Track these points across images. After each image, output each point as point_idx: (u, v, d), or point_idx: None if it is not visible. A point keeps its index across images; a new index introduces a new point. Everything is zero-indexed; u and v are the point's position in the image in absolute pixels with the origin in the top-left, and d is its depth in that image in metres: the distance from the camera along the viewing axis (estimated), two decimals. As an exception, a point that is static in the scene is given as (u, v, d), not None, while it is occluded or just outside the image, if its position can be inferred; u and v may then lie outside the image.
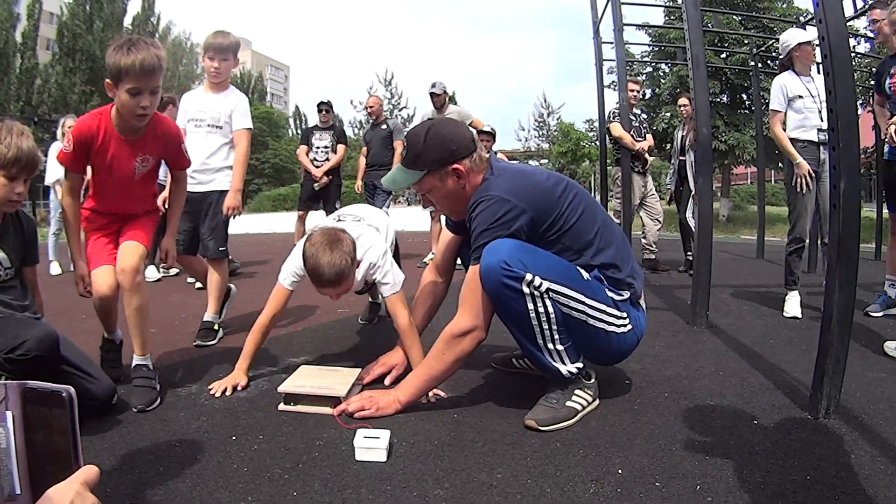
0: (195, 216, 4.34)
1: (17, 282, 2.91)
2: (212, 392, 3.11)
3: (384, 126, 8.88)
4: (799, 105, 4.97)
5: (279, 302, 3.31)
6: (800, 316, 4.79)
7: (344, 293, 3.19)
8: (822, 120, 4.89)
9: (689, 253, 7.69)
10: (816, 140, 4.94)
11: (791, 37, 5.13)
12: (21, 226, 2.96)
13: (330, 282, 3.00)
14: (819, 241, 5.10)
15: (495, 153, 8.89)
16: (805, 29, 7.26)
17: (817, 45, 2.97)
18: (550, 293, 2.55)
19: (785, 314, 4.86)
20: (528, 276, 2.50)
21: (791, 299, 4.95)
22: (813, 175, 4.86)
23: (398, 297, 3.29)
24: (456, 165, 2.75)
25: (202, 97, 4.42)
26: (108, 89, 2.98)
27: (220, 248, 4.34)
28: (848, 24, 3.13)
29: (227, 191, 4.31)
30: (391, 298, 3.30)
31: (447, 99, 8.44)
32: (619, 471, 2.17)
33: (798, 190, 4.89)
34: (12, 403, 1.01)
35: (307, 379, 3.04)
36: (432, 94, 8.31)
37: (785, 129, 5.09)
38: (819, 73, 5.36)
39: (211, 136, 4.35)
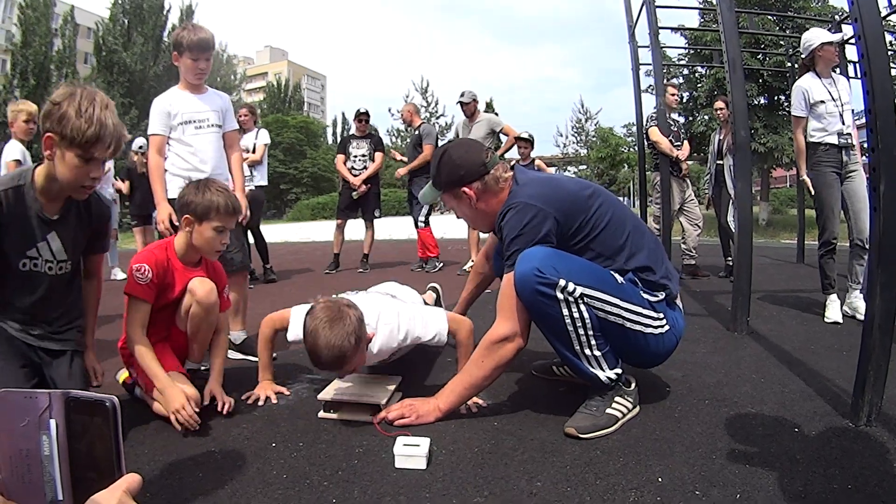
0: None
1: (72, 279, 2.72)
2: (249, 402, 3.14)
3: (417, 132, 8.91)
4: (821, 110, 4.93)
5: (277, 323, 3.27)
6: (841, 321, 4.72)
7: (350, 372, 2.95)
8: (843, 123, 4.88)
9: (729, 258, 7.62)
10: (837, 143, 4.90)
11: (814, 36, 5.06)
12: (90, 213, 2.74)
13: (329, 365, 2.73)
14: (850, 242, 5.03)
15: (534, 160, 8.89)
16: (841, 28, 7.18)
17: (851, 43, 2.94)
18: (585, 298, 2.55)
19: (826, 320, 4.79)
20: (562, 282, 2.50)
21: (831, 304, 4.88)
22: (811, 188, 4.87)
23: (451, 321, 3.21)
24: (464, 189, 2.88)
25: (189, 98, 4.06)
26: (187, 224, 3.03)
27: (246, 261, 4.17)
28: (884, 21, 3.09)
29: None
30: (453, 332, 3.21)
31: (477, 107, 8.51)
32: (660, 479, 2.16)
33: (810, 192, 4.87)
34: (56, 412, 1.03)
35: (347, 387, 3.06)
36: (461, 104, 8.42)
37: (805, 134, 5.06)
38: (839, 73, 5.30)
39: (217, 137, 4.12)
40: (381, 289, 3.71)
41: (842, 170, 4.91)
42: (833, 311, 4.82)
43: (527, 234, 2.64)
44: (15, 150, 6.00)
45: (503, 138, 9.02)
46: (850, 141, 4.89)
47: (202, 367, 3.24)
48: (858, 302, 4.88)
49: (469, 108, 8.49)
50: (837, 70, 5.32)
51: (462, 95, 8.47)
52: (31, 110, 6.03)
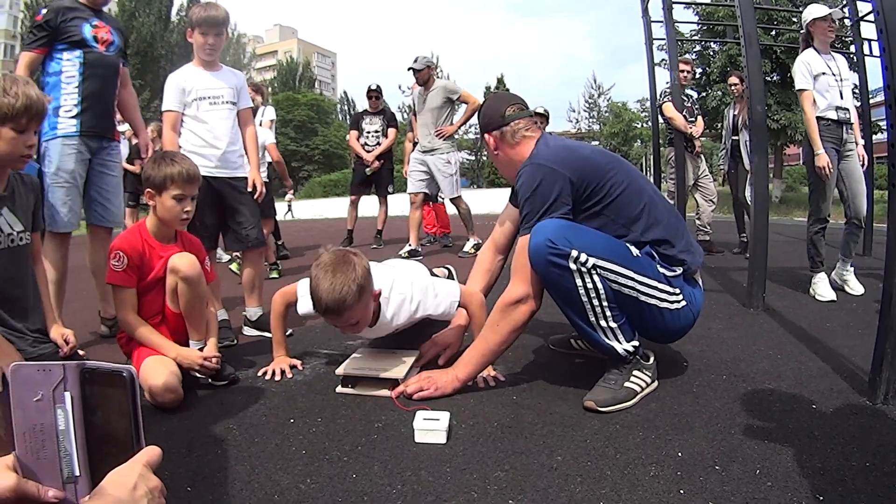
0: (221, 207, 4.10)
1: (28, 253, 2.78)
2: (267, 378, 3.16)
3: None
4: (823, 82, 4.89)
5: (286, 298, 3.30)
6: (836, 298, 4.72)
7: (353, 328, 2.90)
8: (841, 98, 4.87)
9: (744, 234, 7.63)
10: (836, 118, 4.87)
11: (808, 12, 5.06)
12: (28, 186, 2.87)
13: (329, 310, 2.72)
14: (847, 221, 5.01)
15: (544, 133, 8.73)
16: (856, 4, 7.15)
17: (870, 21, 2.91)
18: (598, 269, 2.56)
19: (819, 298, 4.78)
20: (574, 253, 2.52)
21: (820, 282, 4.88)
22: (830, 169, 4.78)
23: (463, 294, 3.22)
24: (486, 135, 3.09)
25: (203, 75, 4.06)
26: (149, 198, 3.12)
27: (261, 237, 4.19)
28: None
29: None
30: (464, 308, 3.23)
31: (431, 73, 7.84)
32: (679, 454, 2.17)
33: (822, 178, 4.81)
34: (71, 384, 1.01)
35: (365, 361, 3.07)
36: (413, 71, 7.72)
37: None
38: (848, 54, 5.27)
39: (231, 114, 4.12)
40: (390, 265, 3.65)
41: (840, 147, 4.90)
42: (826, 289, 4.82)
43: (539, 193, 2.68)
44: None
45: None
46: (848, 117, 4.87)
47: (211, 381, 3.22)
48: (849, 275, 4.96)
49: (422, 75, 7.69)
50: (852, 47, 5.30)
51: (415, 62, 7.70)
52: None
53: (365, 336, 3.31)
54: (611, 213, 2.76)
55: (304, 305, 3.10)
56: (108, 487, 0.99)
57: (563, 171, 2.69)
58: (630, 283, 2.63)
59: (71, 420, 1.02)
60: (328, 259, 2.76)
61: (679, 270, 2.80)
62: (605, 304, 2.60)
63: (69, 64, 3.80)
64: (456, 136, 7.88)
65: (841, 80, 4.90)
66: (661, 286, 2.71)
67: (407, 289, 3.11)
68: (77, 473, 1.03)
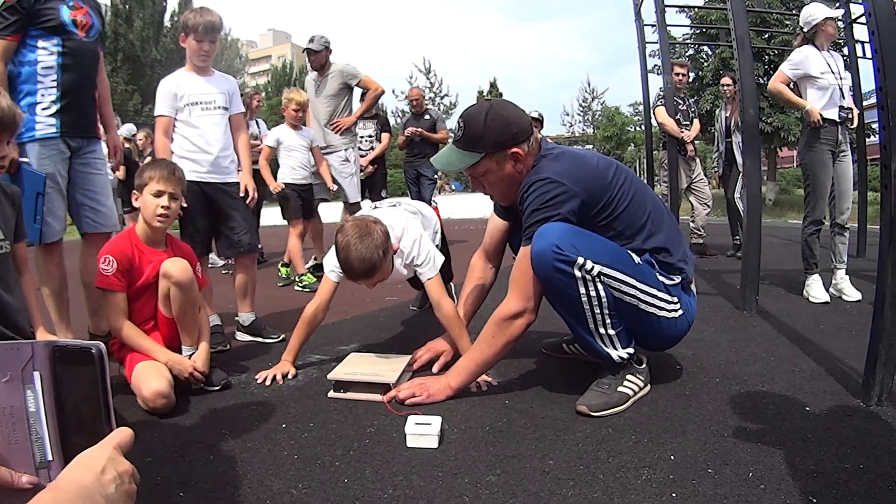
0: (215, 211, 4.08)
1: (11, 259, 2.69)
2: (259, 381, 3.16)
3: (427, 116, 8.89)
4: (824, 82, 4.86)
5: (326, 294, 3.34)
6: (829, 300, 4.72)
7: (380, 282, 3.15)
8: (843, 97, 4.85)
9: (737, 237, 7.61)
10: (837, 119, 4.84)
11: (818, 11, 4.97)
12: (8, 196, 2.72)
13: (362, 275, 2.97)
14: (831, 223, 4.99)
15: (544, 138, 8.72)
16: (849, 5, 7.16)
17: (861, 23, 2.91)
18: (602, 277, 2.53)
19: (813, 300, 4.77)
20: (580, 260, 2.48)
21: (814, 284, 4.87)
22: (820, 117, 4.77)
23: (436, 282, 3.28)
24: (515, 149, 2.71)
25: (196, 80, 4.03)
26: (135, 200, 3.19)
27: (254, 242, 4.20)
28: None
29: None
30: (430, 284, 3.29)
31: (329, 56, 6.77)
32: (672, 457, 2.16)
33: (814, 123, 4.80)
34: (40, 363, 1.00)
35: (357, 366, 3.06)
36: (310, 52, 6.72)
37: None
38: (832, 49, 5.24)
39: (223, 120, 4.09)
40: (410, 207, 3.84)
41: (835, 148, 4.87)
42: (819, 291, 4.81)
43: (548, 208, 2.58)
44: (271, 136, 6.61)
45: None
46: (849, 115, 4.84)
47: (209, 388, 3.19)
48: (844, 283, 4.89)
49: (319, 58, 6.67)
50: (845, 49, 5.30)
51: (311, 41, 6.68)
52: (301, 100, 6.44)
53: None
54: (618, 225, 2.73)
55: (336, 273, 3.29)
56: (72, 472, 0.96)
57: (577, 190, 2.60)
58: (632, 290, 2.62)
59: (41, 401, 1.00)
60: (353, 231, 2.96)
61: (677, 279, 2.79)
62: (605, 311, 2.59)
63: (45, 53, 3.46)
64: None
65: (840, 78, 4.88)
66: (660, 295, 2.70)
67: (408, 245, 3.34)
68: (50, 458, 1.01)
